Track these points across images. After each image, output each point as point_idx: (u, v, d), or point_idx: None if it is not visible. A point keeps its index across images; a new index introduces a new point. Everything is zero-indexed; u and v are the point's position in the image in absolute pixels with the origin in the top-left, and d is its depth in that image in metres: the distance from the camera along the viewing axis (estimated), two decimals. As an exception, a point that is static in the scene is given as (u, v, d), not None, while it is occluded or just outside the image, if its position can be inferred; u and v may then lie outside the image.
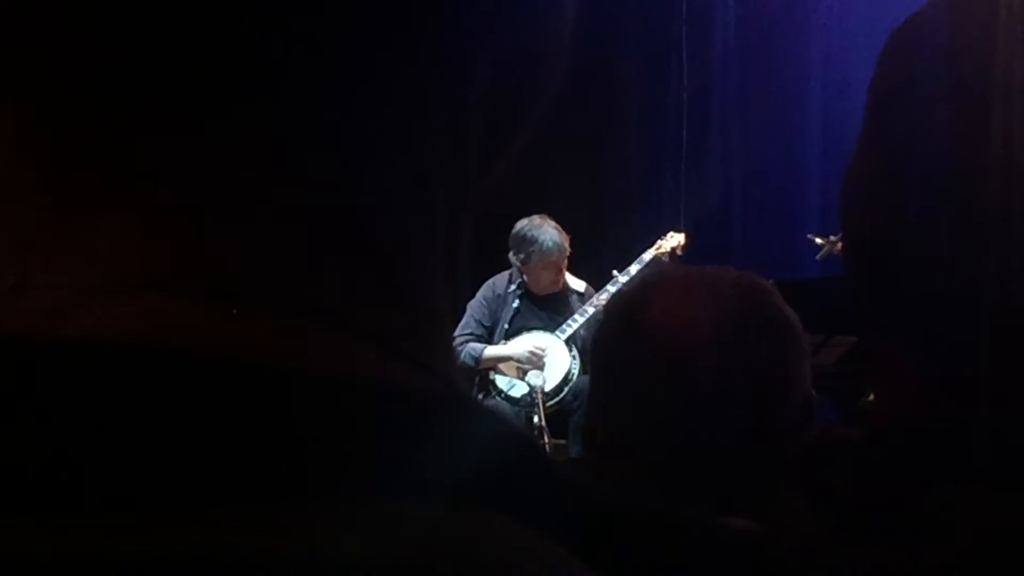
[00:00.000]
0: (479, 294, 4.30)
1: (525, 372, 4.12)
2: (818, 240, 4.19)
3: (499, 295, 4.29)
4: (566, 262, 4.23)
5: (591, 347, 1.21)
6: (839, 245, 3.96)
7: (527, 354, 4.13)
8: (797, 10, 5.61)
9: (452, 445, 0.27)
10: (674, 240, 4.63)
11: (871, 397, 0.68)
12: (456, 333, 4.15)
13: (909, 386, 0.60)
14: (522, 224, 4.16)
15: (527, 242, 4.15)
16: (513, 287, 4.28)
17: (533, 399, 3.99)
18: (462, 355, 4.09)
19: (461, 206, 0.32)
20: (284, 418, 0.25)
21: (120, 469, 0.23)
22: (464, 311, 4.27)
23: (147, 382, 0.24)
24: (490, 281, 4.35)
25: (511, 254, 4.22)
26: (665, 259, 4.56)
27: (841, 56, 5.37)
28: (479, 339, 4.21)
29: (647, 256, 4.54)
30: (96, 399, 0.23)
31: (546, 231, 4.12)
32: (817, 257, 4.21)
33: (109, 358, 0.24)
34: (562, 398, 4.12)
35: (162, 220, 0.26)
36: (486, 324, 4.26)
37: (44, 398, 0.23)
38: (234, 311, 0.26)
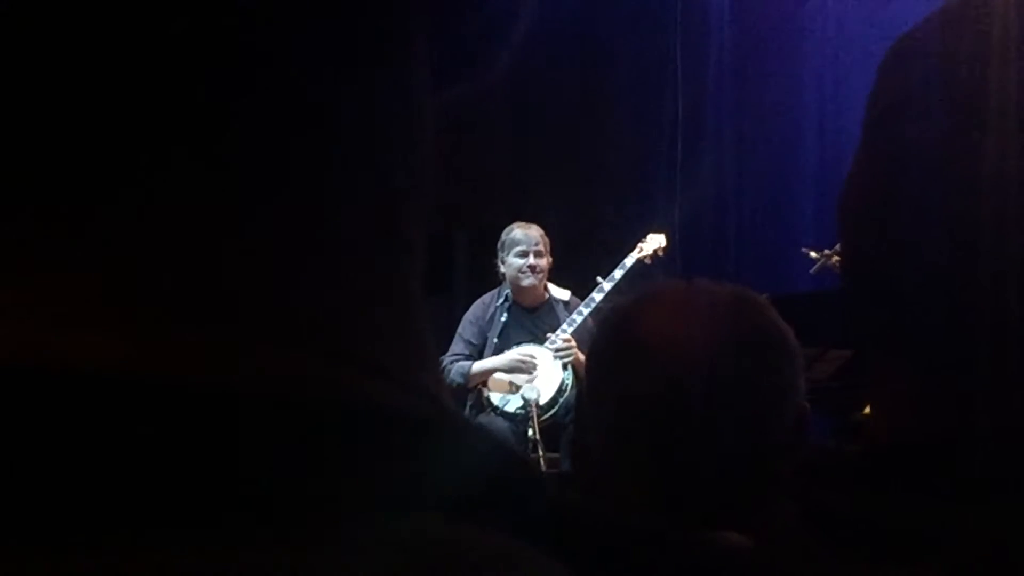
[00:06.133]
0: (467, 314, 4.34)
1: (518, 387, 4.11)
2: (812, 254, 4.19)
3: (487, 312, 4.32)
4: (542, 258, 4.25)
5: (586, 363, 1.21)
6: (834, 258, 3.96)
7: (515, 361, 4.14)
8: (792, 23, 5.64)
9: (439, 461, 0.27)
10: (655, 242, 4.65)
11: (866, 411, 0.68)
12: (447, 355, 4.18)
13: (904, 401, 0.60)
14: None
15: (501, 243, 4.32)
16: (500, 301, 4.31)
17: (528, 413, 3.99)
18: (451, 374, 4.11)
19: (426, 219, 0.32)
20: (268, 440, 0.25)
21: (101, 495, 0.23)
22: (461, 328, 4.31)
23: (117, 410, 0.24)
24: (478, 300, 4.40)
25: (497, 264, 4.32)
26: (648, 262, 4.57)
27: (835, 69, 5.40)
28: (468, 358, 4.22)
29: (629, 261, 4.56)
30: (67, 430, 0.23)
31: (514, 226, 4.32)
32: (811, 271, 4.21)
33: (75, 388, 0.24)
34: (555, 412, 4.12)
35: (129, 248, 0.26)
36: (475, 343, 4.27)
37: (11, 430, 0.23)
38: (205, 339, 0.26)
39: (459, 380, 4.12)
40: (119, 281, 0.26)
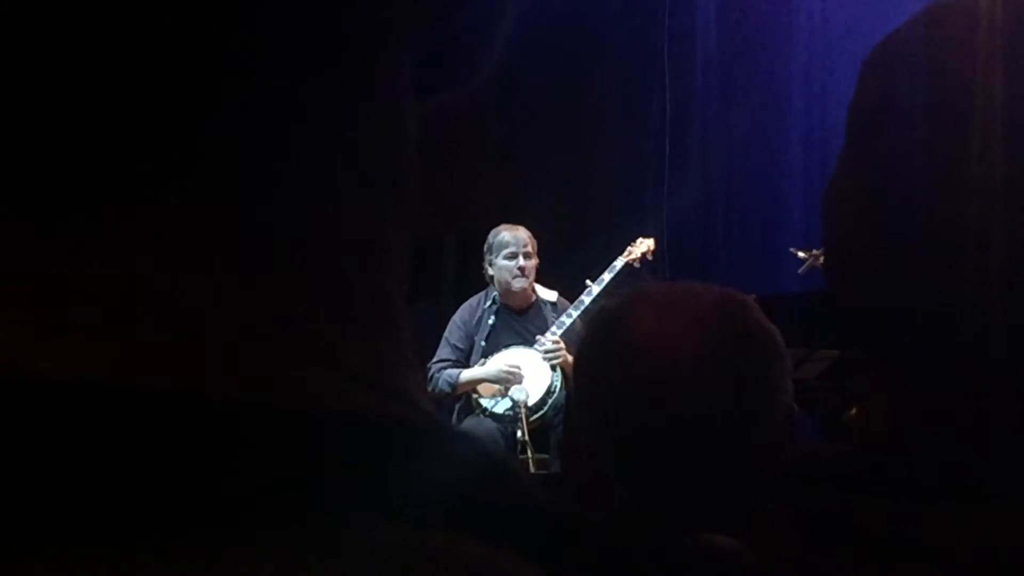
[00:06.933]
0: (454, 318, 4.32)
1: (507, 389, 4.11)
2: (800, 254, 4.20)
3: (474, 315, 4.31)
4: (531, 260, 4.24)
5: (574, 365, 1.21)
6: (821, 259, 3.97)
7: (502, 373, 4.13)
8: (779, 24, 5.65)
9: (423, 468, 0.27)
10: (644, 246, 4.68)
11: (853, 411, 0.68)
12: (432, 361, 4.17)
13: (891, 401, 0.60)
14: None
15: (488, 246, 4.28)
16: (488, 304, 4.30)
17: (517, 414, 3.98)
18: (439, 383, 4.10)
19: (410, 223, 0.32)
20: (251, 449, 0.25)
21: (87, 504, 0.23)
22: (448, 332, 4.29)
23: (108, 419, 0.24)
24: (465, 303, 4.38)
25: (484, 267, 4.29)
26: (636, 265, 4.59)
27: (822, 71, 5.41)
28: (455, 364, 4.21)
29: (618, 264, 4.58)
30: (55, 437, 0.23)
31: (501, 228, 4.28)
32: (799, 271, 4.22)
33: (68, 396, 0.24)
34: (544, 412, 4.12)
35: (121, 252, 0.26)
36: (461, 347, 4.25)
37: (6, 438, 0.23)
38: (196, 345, 0.26)
39: (446, 389, 4.12)
40: (111, 285, 0.26)
